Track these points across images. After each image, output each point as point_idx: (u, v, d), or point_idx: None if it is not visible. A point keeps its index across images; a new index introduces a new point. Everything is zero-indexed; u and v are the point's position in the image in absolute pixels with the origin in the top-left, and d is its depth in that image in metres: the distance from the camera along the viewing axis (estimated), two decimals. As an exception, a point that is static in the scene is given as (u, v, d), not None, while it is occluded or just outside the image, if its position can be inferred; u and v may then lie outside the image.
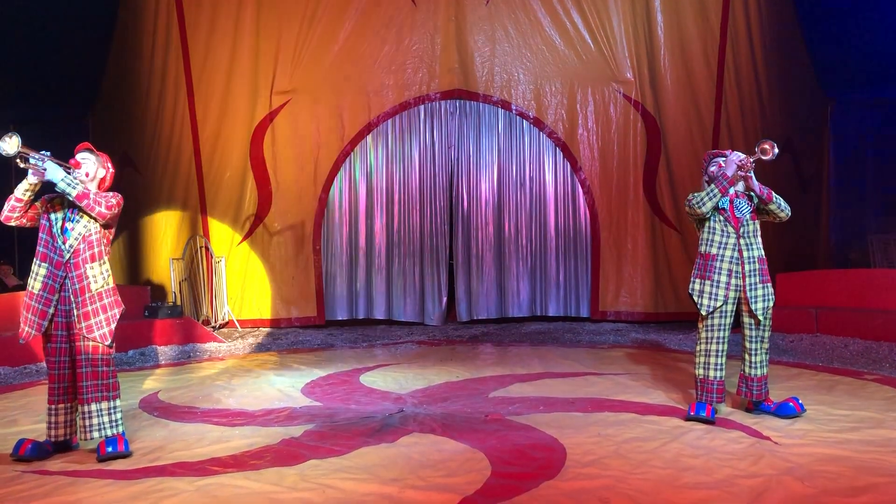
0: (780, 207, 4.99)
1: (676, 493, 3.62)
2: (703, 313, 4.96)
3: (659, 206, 10.69)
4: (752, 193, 5.03)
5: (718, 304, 4.91)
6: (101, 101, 11.69)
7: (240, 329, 10.41)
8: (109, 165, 4.61)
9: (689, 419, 4.93)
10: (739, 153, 5.00)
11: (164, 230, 10.99)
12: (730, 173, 4.89)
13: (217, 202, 10.81)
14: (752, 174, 4.95)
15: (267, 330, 10.43)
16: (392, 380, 6.70)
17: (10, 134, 4.03)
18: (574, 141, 10.80)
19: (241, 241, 10.76)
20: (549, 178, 11.10)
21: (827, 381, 6.17)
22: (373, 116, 10.83)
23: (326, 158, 10.79)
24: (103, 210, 4.31)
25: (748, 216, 4.99)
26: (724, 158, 5.06)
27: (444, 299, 11.00)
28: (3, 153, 4.03)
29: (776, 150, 4.88)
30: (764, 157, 4.90)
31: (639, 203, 10.72)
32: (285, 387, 6.42)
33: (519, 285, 11.08)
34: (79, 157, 4.45)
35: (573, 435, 4.65)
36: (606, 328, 10.12)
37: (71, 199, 4.25)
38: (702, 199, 4.92)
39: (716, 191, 4.88)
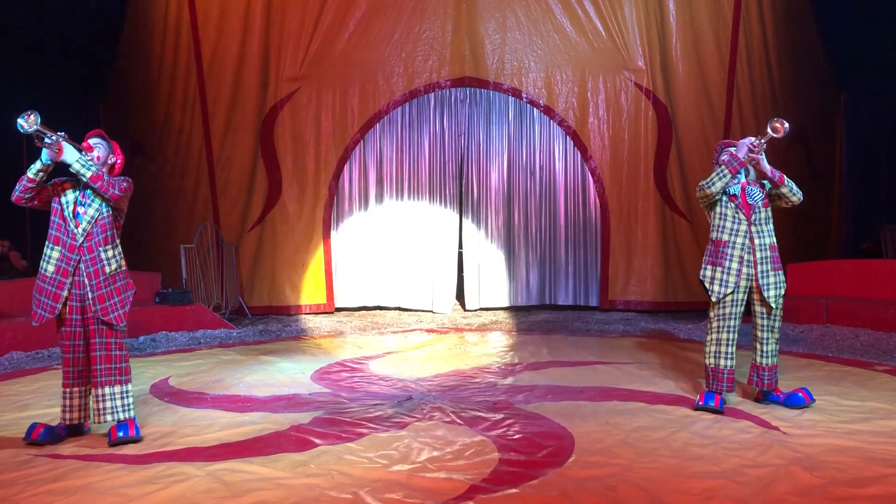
0: (792, 191, 4.97)
1: (684, 482, 3.62)
2: (714, 300, 4.95)
3: (669, 194, 10.66)
4: (764, 181, 5.02)
5: (729, 290, 4.90)
6: (112, 88, 11.72)
7: (250, 316, 10.45)
8: (120, 154, 4.64)
9: (697, 409, 4.93)
10: (750, 137, 5.00)
11: (176, 216, 11.02)
12: (741, 155, 4.88)
13: (228, 189, 10.83)
14: (764, 156, 4.93)
15: (277, 317, 10.46)
16: (401, 367, 6.71)
17: (29, 112, 4.08)
18: (585, 129, 10.77)
19: (251, 228, 10.79)
20: (559, 166, 11.08)
21: (837, 372, 6.15)
22: (383, 104, 10.81)
23: (336, 146, 10.79)
24: (116, 192, 4.34)
25: (760, 203, 4.97)
26: (734, 148, 5.04)
27: (454, 287, 11.02)
28: (22, 130, 4.07)
29: (787, 127, 4.84)
30: (775, 136, 4.88)
31: (649, 192, 10.68)
32: (295, 373, 6.45)
33: (528, 274, 11.08)
34: (91, 141, 4.49)
35: (581, 423, 4.65)
36: (616, 317, 10.11)
37: (85, 180, 4.28)
38: (711, 180, 4.91)
39: (726, 171, 4.86)
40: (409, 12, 10.71)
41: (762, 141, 4.90)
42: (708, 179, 4.94)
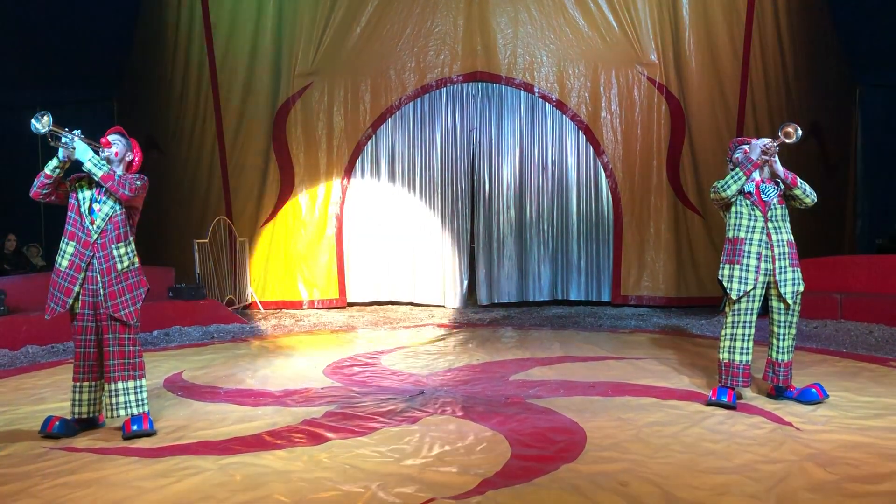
0: (805, 193, 4.94)
1: (696, 477, 3.61)
2: (734, 297, 4.92)
3: (682, 189, 10.60)
4: (778, 179, 5.00)
5: (749, 287, 4.87)
6: (126, 83, 11.77)
7: (263, 310, 10.50)
8: (138, 151, 4.67)
9: (709, 404, 4.92)
10: (764, 138, 4.97)
11: (189, 212, 11.07)
12: (754, 157, 4.86)
13: (240, 184, 10.88)
14: (777, 158, 4.91)
15: (289, 311, 10.50)
16: (413, 362, 6.72)
17: (42, 113, 4.13)
18: (597, 124, 10.73)
19: (264, 223, 10.83)
20: (571, 161, 11.04)
21: (851, 368, 6.11)
22: (395, 99, 10.81)
23: (349, 141, 10.81)
24: (126, 192, 4.36)
25: (775, 200, 4.94)
26: (748, 145, 5.02)
27: (465, 283, 11.02)
28: (35, 131, 4.12)
29: (799, 133, 4.82)
30: (787, 141, 4.85)
31: (662, 187, 10.63)
32: (307, 368, 6.47)
33: (540, 269, 11.07)
34: (110, 137, 4.53)
35: (593, 419, 4.65)
36: (628, 313, 10.09)
37: (96, 179, 4.32)
38: (726, 183, 4.89)
39: (740, 174, 4.85)
40: (420, 7, 10.70)
41: (775, 144, 4.87)
42: (723, 183, 4.90)
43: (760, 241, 4.89)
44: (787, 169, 4.95)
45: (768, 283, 4.93)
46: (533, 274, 11.06)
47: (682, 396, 5.23)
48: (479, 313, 10.34)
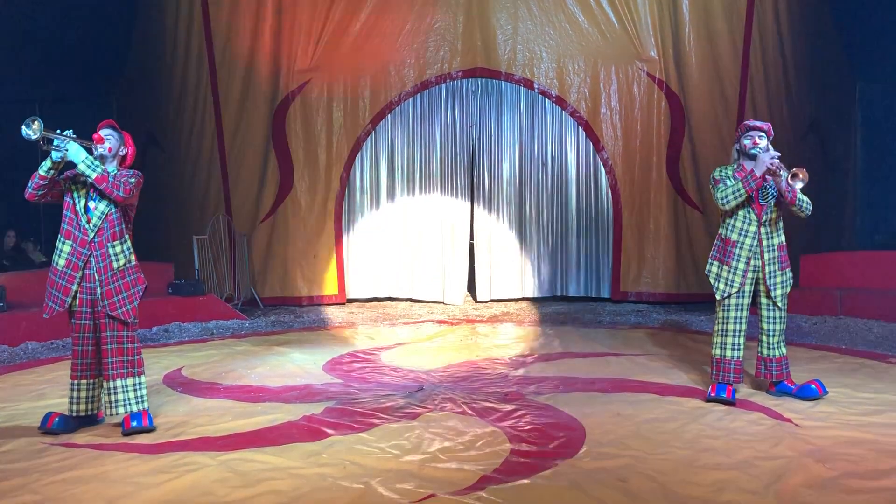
0: (801, 208, 4.87)
1: (695, 473, 3.61)
2: (718, 297, 4.97)
3: (682, 186, 10.60)
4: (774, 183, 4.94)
5: (734, 290, 4.91)
6: (125, 80, 11.75)
7: (262, 306, 10.49)
8: (131, 144, 4.65)
9: (709, 400, 4.93)
10: (773, 151, 4.83)
11: (188, 208, 11.06)
12: (758, 173, 4.76)
13: (240, 180, 10.86)
14: (782, 174, 4.78)
15: (289, 307, 10.50)
16: (412, 358, 6.73)
17: (32, 118, 4.12)
18: (597, 120, 10.71)
19: (263, 219, 10.82)
20: (571, 157, 11.03)
21: (850, 364, 6.12)
22: (394, 95, 10.79)
23: (348, 137, 10.79)
24: (121, 194, 4.34)
25: (773, 203, 4.93)
26: (758, 133, 4.90)
27: (465, 279, 11.01)
28: (27, 137, 4.12)
29: (805, 180, 4.70)
30: (791, 182, 4.76)
31: (662, 183, 10.63)
32: (307, 364, 6.48)
33: (540, 265, 11.07)
34: (102, 132, 4.50)
35: (592, 415, 4.65)
36: (628, 309, 10.09)
37: (90, 180, 4.30)
38: (727, 197, 4.82)
39: (742, 191, 4.77)
40: (420, 3, 10.67)
41: (780, 165, 4.76)
42: (724, 195, 4.80)
43: (752, 245, 4.90)
44: (788, 186, 4.88)
45: (757, 278, 4.94)
46: (532, 270, 11.06)
47: (681, 392, 5.24)
48: (479, 309, 10.34)
